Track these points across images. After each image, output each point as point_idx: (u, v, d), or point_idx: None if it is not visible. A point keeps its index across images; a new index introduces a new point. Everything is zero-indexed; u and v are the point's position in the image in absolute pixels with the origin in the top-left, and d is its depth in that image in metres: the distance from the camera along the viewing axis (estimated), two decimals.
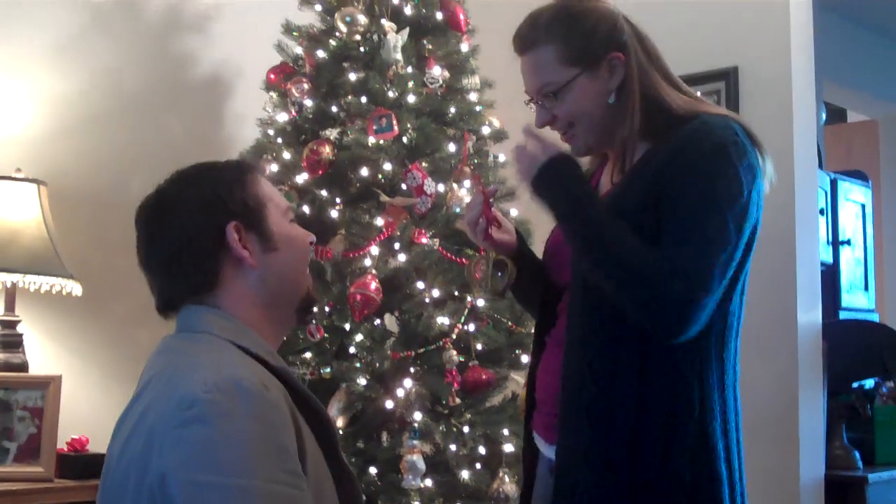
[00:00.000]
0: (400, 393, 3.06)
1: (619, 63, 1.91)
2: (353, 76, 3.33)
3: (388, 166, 3.22)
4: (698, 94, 2.02)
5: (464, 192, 3.21)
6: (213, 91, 4.05)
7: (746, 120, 1.94)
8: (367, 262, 3.13)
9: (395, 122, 3.19)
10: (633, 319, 1.80)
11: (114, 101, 3.71)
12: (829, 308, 4.24)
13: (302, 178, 3.29)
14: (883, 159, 6.55)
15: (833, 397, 3.88)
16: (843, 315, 4.59)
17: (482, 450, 3.15)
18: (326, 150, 3.26)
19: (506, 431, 3.16)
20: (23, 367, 3.18)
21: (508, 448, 3.14)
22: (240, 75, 4.06)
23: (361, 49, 3.38)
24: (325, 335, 3.16)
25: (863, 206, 4.95)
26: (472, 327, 3.16)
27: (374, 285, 3.06)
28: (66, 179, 3.49)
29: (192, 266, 1.65)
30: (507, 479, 3.10)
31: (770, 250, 3.35)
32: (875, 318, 4.91)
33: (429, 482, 3.02)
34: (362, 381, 3.05)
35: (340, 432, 3.05)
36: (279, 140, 3.43)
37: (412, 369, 3.13)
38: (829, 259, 4.54)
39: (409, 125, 3.26)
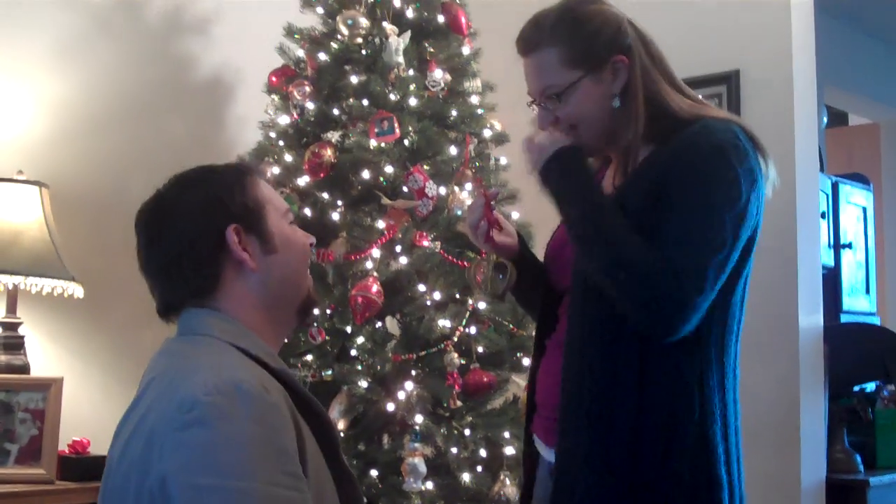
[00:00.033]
0: (401, 395, 3.06)
1: (622, 66, 1.91)
2: (354, 79, 3.34)
3: (389, 169, 3.22)
4: (700, 97, 2.02)
5: (465, 195, 3.21)
6: (214, 93, 4.05)
7: (749, 125, 1.94)
8: (369, 264, 3.13)
9: (396, 124, 3.19)
10: (627, 315, 1.80)
11: (115, 103, 3.72)
12: (830, 311, 4.24)
13: (303, 180, 3.30)
14: (884, 163, 6.56)
15: (834, 401, 3.88)
16: (844, 318, 4.59)
17: (483, 452, 3.15)
18: (328, 153, 3.26)
19: (507, 434, 3.16)
20: (24, 369, 3.18)
21: (509, 451, 3.14)
22: (241, 78, 4.06)
23: (363, 52, 3.38)
24: (327, 338, 3.16)
25: (864, 210, 4.95)
26: (473, 330, 3.16)
27: (375, 288, 3.06)
28: (68, 182, 3.50)
29: (192, 269, 1.65)
30: (508, 481, 3.10)
31: (771, 254, 3.36)
32: (876, 321, 4.92)
33: (430, 485, 3.02)
34: (363, 384, 3.05)
35: (341, 435, 3.05)
36: (281, 143, 3.43)
37: (413, 372, 3.13)
38: (831, 262, 4.54)
39: (410, 128, 3.27)
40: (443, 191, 3.23)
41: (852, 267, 4.75)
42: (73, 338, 3.54)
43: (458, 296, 3.22)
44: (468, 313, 3.15)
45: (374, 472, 3.06)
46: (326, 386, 3.12)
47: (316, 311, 3.08)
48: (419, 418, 3.03)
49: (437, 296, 3.16)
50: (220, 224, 1.66)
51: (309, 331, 3.13)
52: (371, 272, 3.10)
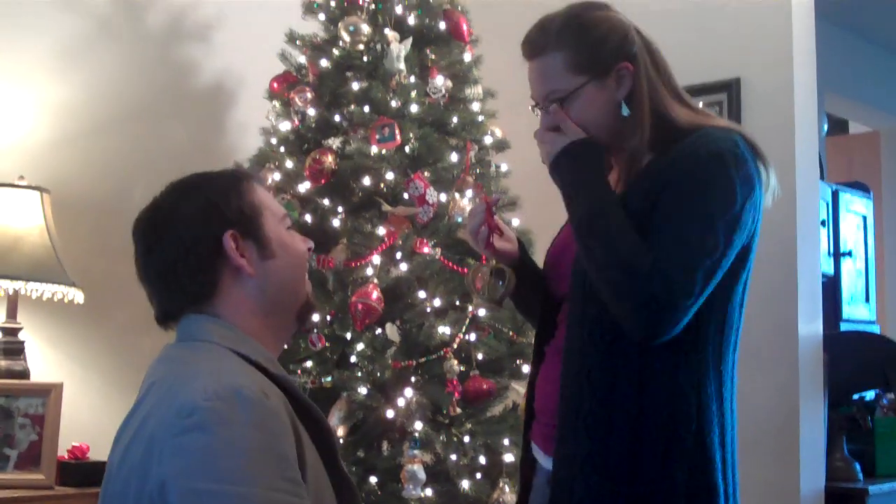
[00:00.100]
0: (401, 402, 3.06)
1: (627, 74, 1.91)
2: (356, 85, 3.34)
3: (390, 176, 3.23)
4: (700, 105, 2.02)
5: (466, 202, 3.21)
6: (215, 99, 4.06)
7: (750, 133, 1.94)
8: (369, 271, 3.13)
9: (397, 131, 3.19)
10: (615, 314, 1.80)
11: (117, 109, 3.72)
12: (830, 319, 4.25)
13: (304, 187, 3.30)
14: (884, 171, 6.56)
15: (834, 409, 3.88)
16: (844, 326, 4.60)
17: (482, 459, 3.15)
18: (329, 160, 3.26)
19: (506, 441, 3.16)
20: (24, 374, 3.18)
21: (509, 458, 3.14)
22: (242, 84, 4.07)
23: (364, 59, 3.38)
24: (327, 344, 3.16)
25: (864, 218, 4.96)
26: (473, 337, 3.16)
27: (375, 294, 3.06)
28: (69, 187, 3.50)
29: (189, 277, 1.65)
30: (507, 488, 3.10)
31: (771, 261, 3.36)
32: (876, 329, 4.92)
33: (429, 492, 3.01)
34: (363, 391, 3.05)
35: (341, 441, 3.05)
36: (282, 149, 3.43)
37: (413, 379, 3.13)
38: (831, 270, 4.55)
39: (411, 135, 3.27)
40: (443, 197, 3.23)
41: (852, 275, 4.76)
42: (73, 343, 3.54)
43: (457, 303, 3.22)
44: (468, 320, 3.15)
45: (373, 479, 3.06)
46: (326, 392, 3.12)
47: (316, 318, 3.09)
48: (418, 425, 3.03)
49: (437, 302, 3.16)
50: (217, 230, 1.66)
51: (309, 337, 3.13)
52: (371, 279, 3.10)
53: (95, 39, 3.70)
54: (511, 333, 3.28)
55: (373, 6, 3.43)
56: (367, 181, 3.25)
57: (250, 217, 1.69)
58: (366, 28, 3.34)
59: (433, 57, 3.47)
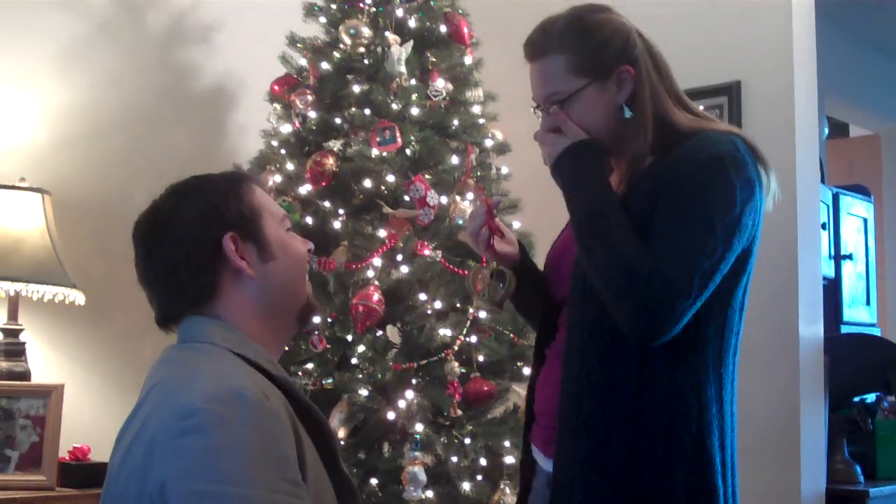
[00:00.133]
0: (401, 404, 3.06)
1: (628, 77, 1.91)
2: (356, 88, 3.34)
3: (391, 178, 3.23)
4: (701, 107, 2.02)
5: (466, 205, 3.21)
6: (216, 102, 4.06)
7: (750, 136, 1.94)
8: (370, 273, 3.13)
9: (398, 134, 3.19)
10: (613, 315, 1.81)
11: (118, 111, 3.73)
12: (830, 322, 4.24)
13: (305, 189, 3.30)
14: (885, 174, 6.56)
15: (834, 411, 3.88)
16: (844, 329, 4.59)
17: (483, 461, 3.15)
18: (330, 162, 3.26)
19: (507, 443, 3.16)
20: (25, 375, 3.19)
21: (509, 460, 3.14)
22: (243, 86, 4.07)
23: (365, 61, 3.39)
24: (328, 346, 3.17)
25: (865, 221, 4.95)
26: (473, 339, 3.16)
27: (376, 296, 3.06)
28: (70, 189, 3.51)
29: (190, 279, 1.66)
30: (507, 490, 3.10)
31: (772, 264, 3.36)
32: (877, 332, 4.92)
33: (430, 494, 3.01)
34: (364, 392, 3.05)
35: (342, 443, 3.05)
36: (282, 151, 3.43)
37: (414, 381, 3.13)
38: (831, 273, 4.55)
39: (412, 137, 3.27)
40: (444, 200, 3.23)
41: (853, 278, 4.76)
42: (74, 345, 3.55)
43: (458, 305, 3.22)
44: (469, 322, 3.15)
45: (374, 481, 3.06)
46: (327, 394, 3.13)
47: (317, 320, 3.09)
48: (419, 427, 3.03)
49: (437, 305, 3.16)
50: (217, 232, 1.66)
51: (310, 339, 3.13)
52: (372, 281, 3.11)
53: (96, 41, 3.71)
54: (512, 336, 3.28)
55: (374, 9, 3.43)
56: (367, 183, 3.25)
57: (250, 219, 1.70)
58: (367, 31, 3.34)
59: (434, 60, 3.47)
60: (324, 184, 3.27)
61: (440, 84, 3.37)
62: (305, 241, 1.80)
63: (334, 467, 1.65)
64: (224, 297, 1.67)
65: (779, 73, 3.70)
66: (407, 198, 3.20)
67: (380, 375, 3.07)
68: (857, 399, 4.10)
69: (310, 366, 3.18)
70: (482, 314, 3.17)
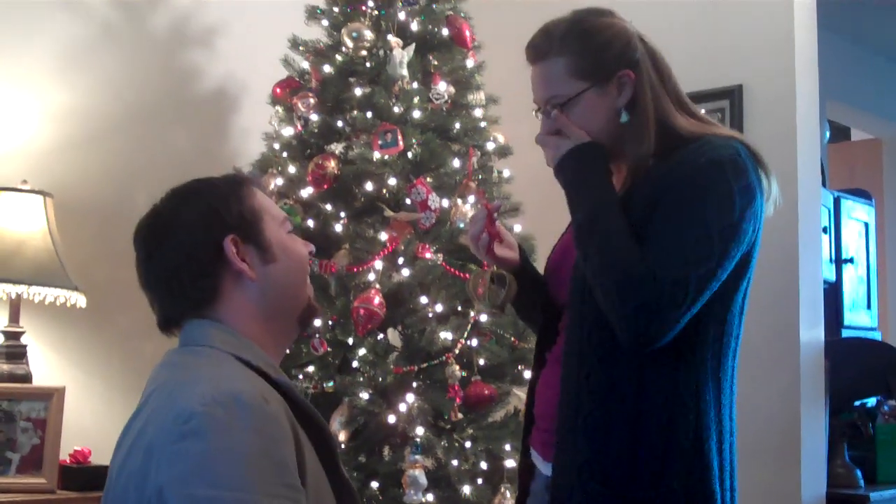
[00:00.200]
0: (402, 407, 3.06)
1: (628, 81, 1.92)
2: (358, 91, 3.34)
3: (392, 181, 3.23)
4: (702, 111, 2.02)
5: (468, 208, 3.21)
6: (218, 104, 4.07)
7: (752, 140, 1.94)
8: (371, 276, 3.13)
9: (400, 137, 3.20)
10: (609, 318, 1.80)
11: (120, 113, 3.73)
12: (831, 326, 4.25)
13: (307, 192, 3.30)
14: (886, 178, 6.56)
15: (835, 415, 3.88)
16: (845, 333, 4.60)
17: (484, 465, 3.15)
18: (331, 165, 3.27)
19: (507, 447, 3.16)
20: (26, 378, 3.19)
21: (510, 463, 3.14)
22: (245, 89, 4.08)
23: (367, 64, 3.39)
24: (329, 349, 3.17)
25: (866, 225, 4.96)
26: (474, 342, 3.16)
27: (377, 300, 3.06)
28: (72, 191, 3.51)
29: (191, 282, 1.66)
30: (508, 494, 3.10)
31: (773, 268, 3.37)
32: (877, 336, 4.92)
33: (430, 497, 3.01)
34: (365, 396, 3.05)
35: (342, 446, 3.05)
36: (284, 154, 3.44)
37: (415, 384, 3.13)
38: (832, 277, 4.55)
39: (414, 140, 3.27)
40: (445, 203, 3.23)
41: (854, 282, 4.76)
42: (76, 347, 3.55)
43: (459, 308, 3.22)
44: (470, 326, 3.15)
45: (374, 484, 3.06)
46: (328, 397, 3.13)
47: (318, 323, 3.09)
48: (420, 430, 3.03)
49: (438, 308, 3.16)
50: (218, 235, 1.66)
51: (311, 342, 3.13)
52: (373, 284, 3.11)
53: (99, 44, 3.71)
54: (513, 339, 3.28)
55: (376, 12, 3.44)
56: (369, 186, 3.26)
57: (251, 222, 1.70)
58: (369, 34, 3.34)
59: (436, 63, 3.47)
60: (325, 187, 3.27)
61: (442, 87, 3.37)
62: (306, 244, 1.80)
63: (334, 472, 1.65)
64: (225, 300, 1.67)
65: (780, 77, 3.70)
66: (408, 201, 3.20)
67: (380, 379, 3.07)
68: (857, 403, 4.10)
69: (311, 369, 3.18)
70: (483, 318, 3.17)
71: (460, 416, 3.09)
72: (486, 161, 3.47)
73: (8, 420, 3.10)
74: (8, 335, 3.19)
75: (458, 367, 3.09)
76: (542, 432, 2.03)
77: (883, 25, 5.78)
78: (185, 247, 1.66)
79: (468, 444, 3.14)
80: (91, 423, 3.45)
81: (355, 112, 3.33)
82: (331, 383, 3.13)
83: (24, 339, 3.23)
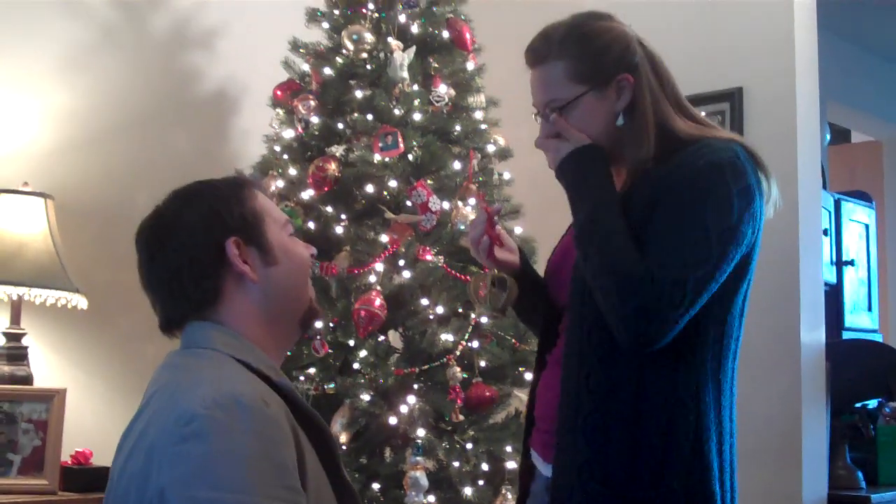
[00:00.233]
0: (403, 409, 3.06)
1: (627, 85, 1.92)
2: (359, 94, 3.35)
3: (393, 183, 3.24)
4: (702, 114, 2.03)
5: (468, 210, 3.22)
6: (219, 107, 4.07)
7: (752, 142, 1.94)
8: (372, 278, 3.13)
9: (400, 139, 3.20)
10: (608, 320, 1.81)
11: (121, 115, 3.73)
12: (832, 328, 4.25)
13: (307, 194, 3.30)
14: (887, 180, 6.56)
15: (836, 417, 3.88)
16: (846, 335, 4.60)
17: (485, 466, 3.15)
18: (332, 167, 3.27)
19: (509, 448, 3.16)
20: (28, 379, 3.19)
21: (511, 465, 3.14)
22: (246, 91, 4.08)
23: (368, 67, 3.39)
24: (330, 351, 3.17)
25: (866, 227, 4.96)
26: (475, 344, 3.16)
27: (378, 302, 3.06)
28: (73, 193, 3.51)
29: (193, 284, 1.66)
30: (509, 496, 3.10)
31: (774, 270, 3.37)
32: (878, 338, 4.92)
33: (432, 498, 3.02)
34: (366, 397, 3.06)
35: (344, 448, 3.05)
36: (285, 156, 3.44)
37: (416, 386, 3.13)
38: (833, 279, 4.55)
39: (414, 143, 3.28)
40: (446, 205, 3.23)
41: (854, 284, 4.76)
42: (77, 349, 3.55)
43: (460, 310, 3.22)
44: (471, 327, 3.15)
45: (375, 486, 3.06)
46: (329, 399, 3.13)
47: (319, 325, 3.09)
48: (421, 432, 3.03)
49: (439, 310, 3.17)
50: (220, 237, 1.66)
51: (312, 344, 3.13)
52: (374, 286, 3.11)
53: (99, 46, 3.72)
54: (514, 341, 3.28)
55: (376, 15, 3.44)
56: (370, 189, 3.26)
57: (252, 224, 1.70)
58: (369, 36, 3.35)
59: (436, 65, 3.47)
60: (326, 189, 3.28)
61: (442, 90, 3.37)
62: (308, 246, 1.80)
63: (336, 474, 1.65)
64: (227, 302, 1.67)
65: (780, 80, 3.70)
66: (409, 203, 3.21)
67: (382, 380, 3.07)
68: (858, 405, 4.11)
69: (312, 371, 3.19)
70: (484, 320, 3.17)
71: (461, 417, 3.09)
72: (487, 163, 3.47)
73: (9, 421, 3.10)
74: (9, 337, 3.20)
75: (459, 369, 3.09)
76: (543, 433, 2.04)
77: (883, 27, 5.78)
78: (187, 248, 1.66)
79: (469, 446, 3.14)
80: (92, 424, 3.45)
81: (356, 114, 3.33)
82: (332, 385, 3.14)
83: (25, 341, 3.23)
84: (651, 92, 1.93)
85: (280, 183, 3.35)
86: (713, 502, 1.82)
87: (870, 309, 4.90)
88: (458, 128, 3.41)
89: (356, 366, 3.13)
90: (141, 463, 1.48)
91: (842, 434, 3.91)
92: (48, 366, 3.45)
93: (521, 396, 3.24)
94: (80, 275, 3.27)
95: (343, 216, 3.30)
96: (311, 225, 3.29)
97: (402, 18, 3.43)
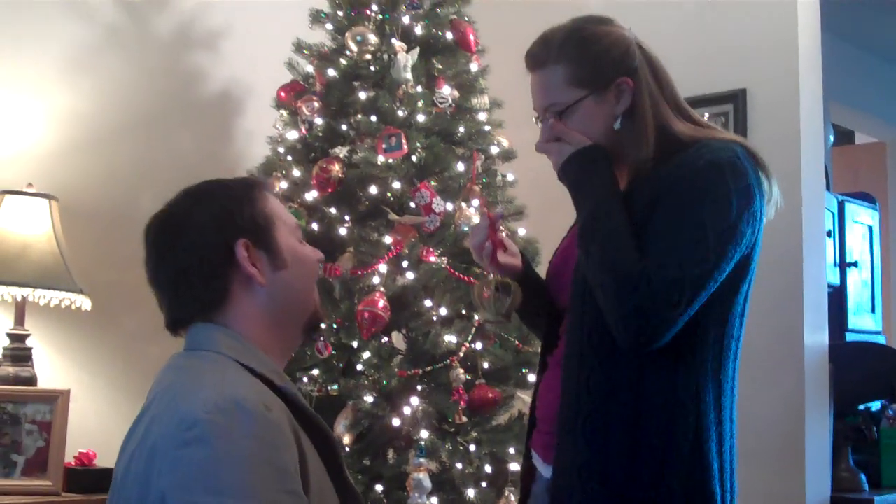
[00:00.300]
0: (407, 411, 3.06)
1: (626, 88, 1.92)
2: (363, 95, 3.35)
3: (396, 185, 3.24)
4: (706, 116, 2.03)
5: (472, 211, 3.22)
6: (223, 108, 4.07)
7: (754, 143, 1.94)
8: (376, 279, 3.14)
9: (404, 140, 3.20)
10: (607, 320, 1.81)
11: (125, 117, 3.74)
12: (835, 330, 4.24)
13: (311, 195, 3.31)
14: (890, 181, 6.56)
15: (839, 419, 3.88)
16: (849, 337, 4.59)
17: (488, 468, 3.15)
18: (336, 168, 3.27)
19: (512, 450, 3.16)
20: (31, 380, 3.19)
21: (514, 467, 3.14)
22: (250, 93, 4.08)
23: (372, 68, 3.40)
24: (333, 352, 3.17)
25: (870, 228, 4.95)
26: (479, 346, 3.17)
27: (381, 303, 3.06)
28: (77, 194, 3.52)
29: (201, 284, 1.66)
30: (512, 497, 3.10)
31: (777, 272, 3.37)
32: (882, 340, 4.91)
33: (435, 500, 3.02)
34: (369, 399, 3.06)
35: (347, 449, 3.05)
36: (289, 157, 3.44)
37: (419, 387, 3.13)
38: (836, 281, 4.54)
39: (418, 144, 3.28)
40: (450, 207, 3.24)
41: (858, 286, 4.75)
42: (81, 350, 3.55)
43: (464, 311, 3.22)
44: (474, 329, 3.15)
45: (379, 487, 3.06)
46: (332, 400, 3.13)
47: (322, 326, 3.09)
48: (424, 433, 3.03)
49: (443, 311, 3.17)
50: (229, 238, 1.66)
51: (315, 345, 3.13)
52: (378, 287, 3.11)
53: (104, 48, 3.72)
54: (517, 343, 3.28)
55: (380, 16, 3.44)
56: (373, 190, 3.26)
57: (263, 227, 1.69)
58: (373, 38, 3.35)
59: (440, 67, 3.48)
60: (330, 190, 3.28)
61: (446, 91, 3.37)
62: (315, 251, 1.80)
63: (339, 476, 1.65)
64: (234, 304, 1.66)
65: (784, 81, 3.70)
66: (413, 204, 3.21)
67: (385, 382, 3.08)
68: (861, 407, 4.10)
69: (315, 372, 3.19)
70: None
71: (465, 419, 3.09)
72: (490, 164, 3.47)
73: (13, 422, 3.10)
74: (13, 338, 3.20)
75: (462, 371, 3.09)
76: (544, 435, 2.04)
77: (887, 28, 5.78)
78: (197, 248, 1.65)
79: (472, 448, 3.14)
80: (96, 425, 3.45)
81: (359, 116, 3.33)
82: (335, 386, 3.14)
83: (29, 342, 3.23)
84: (650, 95, 1.93)
85: (284, 184, 3.35)
86: (713, 502, 1.83)
87: (873, 311, 4.89)
88: (461, 129, 3.41)
89: (359, 367, 3.13)
90: (143, 465, 1.49)
91: (845, 436, 3.91)
92: (52, 367, 3.45)
93: (525, 398, 3.24)
94: (83, 276, 3.27)
95: (346, 217, 3.31)
96: (315, 226, 3.30)
97: (406, 20, 3.44)
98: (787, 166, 3.56)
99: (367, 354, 3.11)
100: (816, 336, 3.65)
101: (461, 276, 3.17)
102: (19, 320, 3.21)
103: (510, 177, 3.48)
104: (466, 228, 3.19)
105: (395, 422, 3.06)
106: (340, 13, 3.51)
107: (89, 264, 3.41)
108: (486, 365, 3.19)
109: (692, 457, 1.82)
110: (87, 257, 3.43)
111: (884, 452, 4.05)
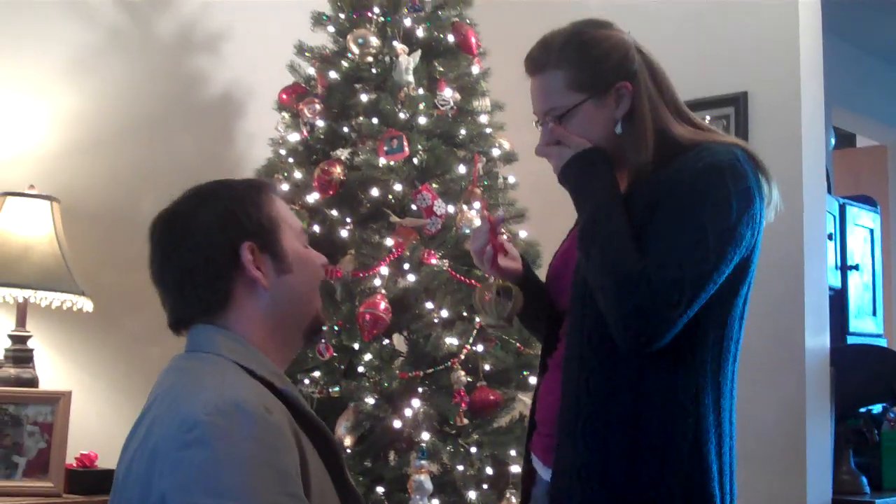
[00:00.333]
0: (408, 413, 3.06)
1: (626, 92, 1.92)
2: (364, 97, 3.35)
3: (398, 187, 3.24)
4: (707, 119, 2.03)
5: (473, 214, 3.22)
6: (225, 110, 4.08)
7: (755, 146, 1.95)
8: (377, 281, 3.14)
9: (405, 143, 3.20)
10: (607, 321, 1.81)
11: (127, 119, 3.74)
12: (836, 333, 4.24)
13: (313, 197, 3.31)
14: (892, 184, 6.56)
15: (840, 422, 3.88)
16: (850, 340, 4.58)
17: (489, 470, 3.15)
18: (337, 171, 3.27)
19: (513, 452, 3.16)
20: (33, 382, 3.19)
21: (515, 469, 3.14)
22: (252, 95, 4.09)
23: (373, 70, 3.40)
24: (335, 354, 3.17)
25: (871, 231, 4.95)
26: (480, 348, 3.17)
27: (383, 305, 3.06)
28: (79, 196, 3.52)
29: (205, 285, 1.65)
30: (513, 499, 3.10)
31: (778, 275, 3.37)
32: (883, 343, 4.91)
33: (436, 502, 3.01)
34: (370, 401, 3.06)
35: (348, 451, 3.05)
36: (290, 160, 3.44)
37: (420, 389, 3.13)
38: (838, 284, 4.54)
39: (419, 146, 3.28)
40: (451, 209, 3.24)
41: (859, 289, 4.75)
42: (82, 352, 3.55)
43: (465, 313, 3.22)
44: (475, 331, 3.15)
45: (380, 489, 3.06)
46: (333, 402, 3.13)
47: (323, 328, 3.09)
48: (426, 435, 3.03)
49: (444, 313, 3.17)
50: (234, 239, 1.66)
51: (317, 347, 3.13)
52: (379, 289, 3.11)
53: (106, 50, 3.73)
54: (518, 345, 3.28)
55: (382, 19, 3.44)
56: (375, 192, 3.26)
57: (268, 230, 1.69)
58: (374, 40, 3.35)
59: (441, 69, 3.48)
60: (331, 192, 3.28)
61: (447, 93, 3.38)
62: (320, 256, 1.80)
63: (340, 479, 1.65)
64: (236, 307, 1.66)
65: (785, 84, 3.71)
66: (414, 207, 3.21)
67: (386, 384, 3.08)
68: (863, 410, 4.10)
69: (316, 374, 3.19)
70: None
71: (466, 421, 3.09)
72: (492, 167, 3.48)
73: (15, 424, 3.10)
74: (15, 339, 3.20)
75: (463, 373, 3.10)
76: (544, 437, 2.04)
77: (888, 31, 5.78)
78: (203, 248, 1.65)
79: (474, 450, 3.14)
80: (97, 426, 3.46)
81: (361, 118, 3.33)
82: (337, 388, 3.14)
83: (30, 344, 3.23)
84: (650, 99, 1.93)
85: (285, 186, 3.35)
86: None
87: (874, 314, 4.89)
88: (463, 131, 3.42)
89: (361, 369, 3.13)
90: (144, 466, 1.49)
91: (846, 439, 3.91)
92: (54, 368, 3.46)
93: (526, 400, 3.24)
94: (85, 277, 3.27)
95: (348, 220, 3.31)
96: (317, 228, 3.30)
97: (408, 22, 3.44)
98: (788, 169, 3.56)
99: (368, 356, 3.12)
100: (818, 339, 3.65)
101: (462, 278, 3.18)
102: (21, 322, 3.21)
103: (511, 179, 3.48)
104: (468, 231, 3.19)
105: (397, 424, 3.06)
106: (342, 15, 3.51)
107: (91, 266, 3.41)
108: (487, 367, 3.19)
109: (691, 458, 1.82)
110: (89, 259, 3.43)
111: (885, 455, 4.05)
